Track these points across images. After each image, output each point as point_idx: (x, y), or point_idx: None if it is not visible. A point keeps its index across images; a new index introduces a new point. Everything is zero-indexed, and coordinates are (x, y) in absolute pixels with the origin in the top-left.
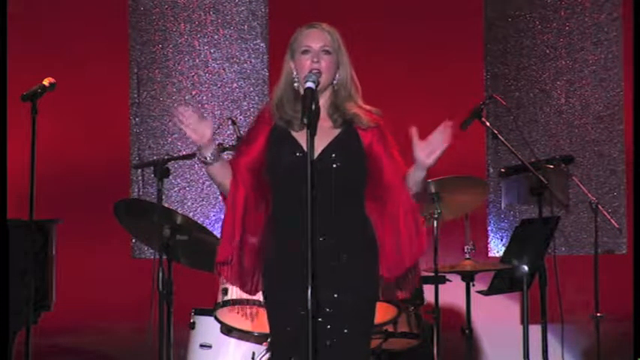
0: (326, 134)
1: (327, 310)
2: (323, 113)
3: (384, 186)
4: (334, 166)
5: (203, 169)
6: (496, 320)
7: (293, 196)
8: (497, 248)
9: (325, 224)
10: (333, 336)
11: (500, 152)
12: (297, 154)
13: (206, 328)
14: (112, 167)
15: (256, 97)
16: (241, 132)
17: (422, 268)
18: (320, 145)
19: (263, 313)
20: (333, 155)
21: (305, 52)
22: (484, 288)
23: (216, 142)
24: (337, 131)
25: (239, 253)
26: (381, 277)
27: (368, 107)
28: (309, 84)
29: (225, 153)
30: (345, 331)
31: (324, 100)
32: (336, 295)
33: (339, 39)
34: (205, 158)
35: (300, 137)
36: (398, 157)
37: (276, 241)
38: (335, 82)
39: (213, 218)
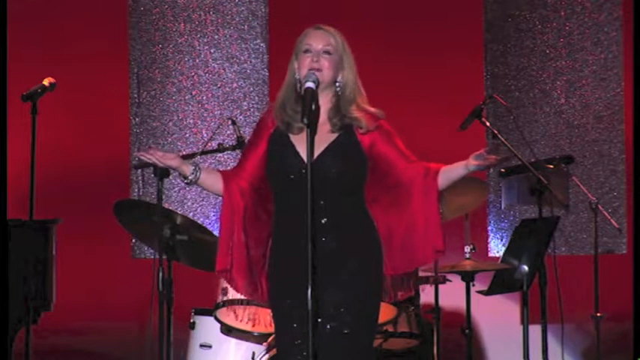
0: (323, 139)
1: (330, 311)
2: (323, 116)
3: (396, 183)
4: (331, 171)
5: None
6: (496, 320)
7: (292, 200)
8: (497, 248)
9: (325, 228)
10: (335, 337)
11: (500, 152)
12: (294, 158)
13: (206, 328)
14: (112, 167)
15: (256, 97)
16: (241, 132)
17: (421, 268)
18: (317, 150)
19: (262, 312)
20: (330, 161)
21: (306, 51)
22: (484, 288)
23: (217, 142)
24: (334, 136)
25: (246, 261)
26: (386, 276)
27: (372, 109)
28: (309, 84)
29: (225, 153)
30: (346, 332)
31: (325, 103)
32: (338, 297)
33: (344, 42)
34: (186, 178)
35: (298, 141)
36: (407, 152)
37: (277, 242)
38: (338, 83)
39: (213, 218)
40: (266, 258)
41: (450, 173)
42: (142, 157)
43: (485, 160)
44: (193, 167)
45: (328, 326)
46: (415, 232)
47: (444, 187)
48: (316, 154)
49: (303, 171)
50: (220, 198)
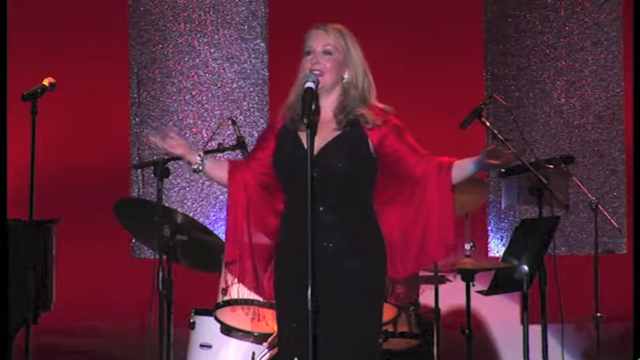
0: (328, 135)
1: (331, 310)
2: (329, 114)
3: (409, 178)
4: (331, 165)
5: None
6: (496, 320)
7: (296, 198)
8: (497, 248)
9: (329, 226)
10: (337, 336)
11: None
12: (299, 151)
13: (206, 328)
14: (112, 167)
15: (256, 97)
16: (241, 132)
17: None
18: (319, 145)
19: (263, 312)
20: (331, 155)
21: (307, 53)
22: (484, 288)
23: (217, 142)
24: (339, 132)
25: (251, 255)
26: (398, 279)
27: (381, 106)
28: (309, 84)
29: (225, 153)
30: (349, 331)
31: (331, 101)
32: (339, 299)
33: (348, 39)
34: (192, 165)
35: (304, 137)
36: (418, 147)
37: (283, 239)
38: (344, 81)
39: (213, 218)
40: (271, 256)
41: (462, 168)
42: (150, 140)
43: (501, 157)
44: (199, 156)
45: (329, 327)
46: (429, 229)
47: (457, 182)
48: (319, 148)
49: (303, 163)
50: (219, 198)
